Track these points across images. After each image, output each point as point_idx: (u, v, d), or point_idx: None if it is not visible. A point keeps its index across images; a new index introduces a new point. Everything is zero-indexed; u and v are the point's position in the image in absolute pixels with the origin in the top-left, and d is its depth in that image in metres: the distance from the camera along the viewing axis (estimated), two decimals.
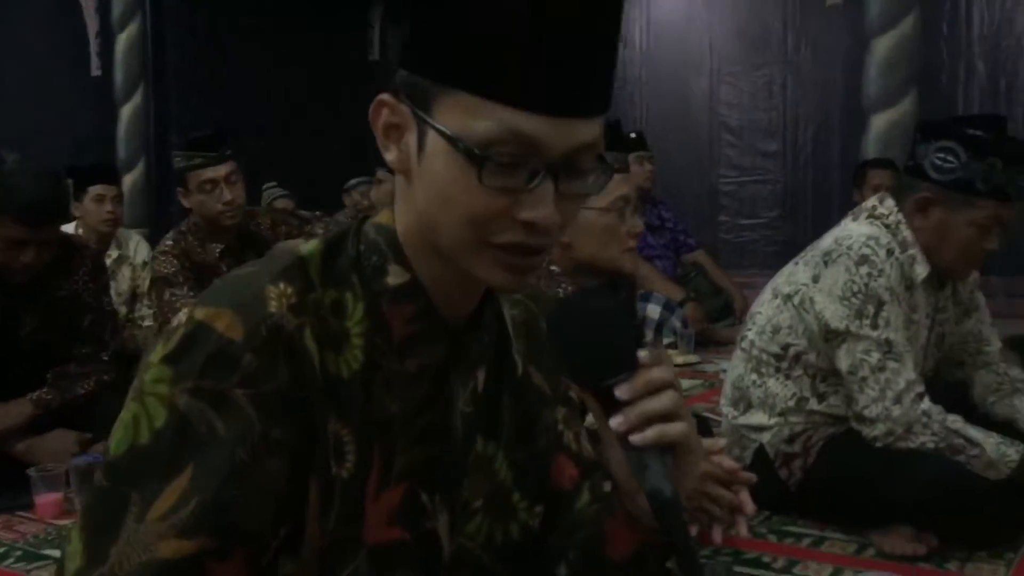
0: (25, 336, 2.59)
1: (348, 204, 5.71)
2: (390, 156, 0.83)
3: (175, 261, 3.16)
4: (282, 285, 0.80)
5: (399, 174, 0.84)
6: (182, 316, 0.80)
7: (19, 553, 2.07)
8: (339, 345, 0.82)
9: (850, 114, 5.80)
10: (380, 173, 4.16)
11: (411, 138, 0.81)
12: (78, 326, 2.68)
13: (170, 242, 3.22)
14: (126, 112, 6.66)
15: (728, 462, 1.61)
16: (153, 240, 5.05)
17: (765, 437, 2.17)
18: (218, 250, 3.20)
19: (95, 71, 6.84)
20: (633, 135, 4.99)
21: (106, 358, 2.71)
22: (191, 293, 3.12)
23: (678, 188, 6.04)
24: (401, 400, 0.86)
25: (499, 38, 0.74)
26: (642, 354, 0.79)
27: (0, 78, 6.80)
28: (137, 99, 6.65)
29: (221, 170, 3.08)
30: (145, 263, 4.66)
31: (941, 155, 1.97)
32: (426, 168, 0.80)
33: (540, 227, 0.78)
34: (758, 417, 2.20)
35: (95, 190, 3.99)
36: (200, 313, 0.78)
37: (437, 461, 0.89)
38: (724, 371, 3.81)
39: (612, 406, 0.79)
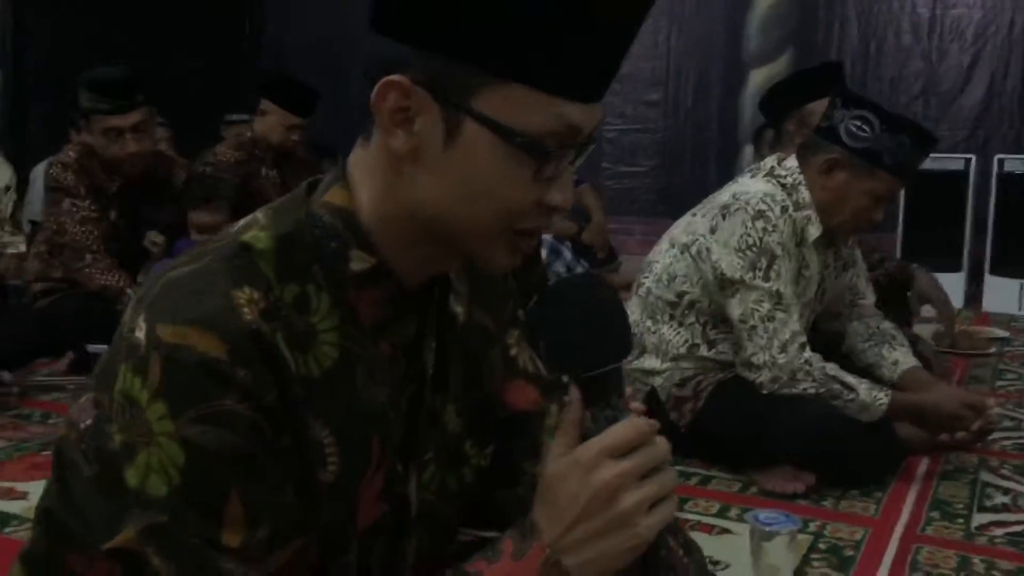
0: None
1: (227, 137, 5.50)
2: (396, 142, 0.78)
3: (73, 175, 3.02)
4: (247, 289, 0.76)
5: (391, 158, 0.79)
6: (139, 334, 0.74)
7: None
8: (306, 344, 0.78)
9: (730, 68, 5.97)
10: (264, 104, 4.00)
11: (429, 126, 0.76)
12: None
13: (72, 155, 3.08)
14: None
15: (635, 406, 1.68)
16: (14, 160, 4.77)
17: (657, 381, 2.27)
18: (116, 185, 3.08)
19: None
20: None
21: None
22: (92, 206, 3.00)
23: None
24: (387, 384, 0.85)
25: (558, 32, 0.73)
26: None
27: None
28: None
29: (128, 119, 2.96)
30: (8, 187, 4.41)
31: (857, 123, 2.08)
32: (457, 159, 0.77)
33: (561, 209, 0.80)
34: (651, 362, 2.29)
35: None
36: (166, 333, 0.73)
37: (413, 433, 0.90)
38: None
39: (590, 393, 0.79)
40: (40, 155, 5.30)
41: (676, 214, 2.43)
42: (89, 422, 0.83)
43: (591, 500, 0.75)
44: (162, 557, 0.75)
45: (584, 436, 0.79)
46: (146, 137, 3.05)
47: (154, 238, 3.17)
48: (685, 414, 2.21)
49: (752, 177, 2.25)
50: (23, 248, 4.19)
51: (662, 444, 0.78)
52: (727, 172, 5.94)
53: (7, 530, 1.79)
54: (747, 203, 2.14)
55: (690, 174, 5.97)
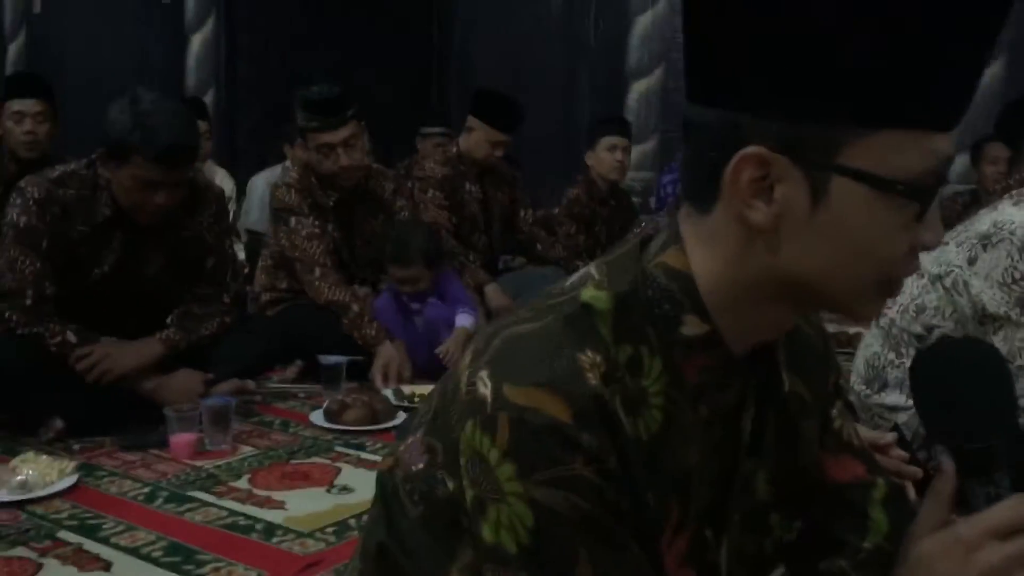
0: (150, 276, 2.62)
1: (421, 149, 5.66)
2: (756, 215, 0.75)
3: (296, 195, 3.21)
4: (590, 352, 0.76)
5: (745, 230, 0.77)
6: (484, 390, 0.76)
7: (166, 494, 2.11)
8: (638, 407, 0.78)
9: None
10: (471, 121, 4.09)
11: (792, 191, 0.74)
12: (200, 267, 2.70)
13: (295, 175, 3.28)
14: (197, 40, 6.62)
15: (898, 452, 1.62)
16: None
17: (902, 418, 2.16)
18: (333, 200, 3.24)
19: None
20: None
21: (227, 300, 2.74)
22: (316, 223, 3.17)
23: None
24: (698, 449, 0.84)
25: (923, 64, 0.70)
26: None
27: (67, 3, 6.72)
28: (208, 27, 6.61)
29: (339, 135, 3.11)
30: (229, 198, 4.69)
31: None
32: (827, 220, 0.74)
33: (932, 248, 0.77)
34: (894, 397, 2.19)
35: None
36: (513, 393, 0.74)
37: (723, 499, 0.89)
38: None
39: (969, 466, 0.75)
40: (250, 166, 5.63)
41: None
42: (421, 466, 0.85)
43: None
44: None
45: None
46: (357, 151, 3.20)
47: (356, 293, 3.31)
48: (936, 453, 2.10)
49: (1015, 204, 2.11)
50: (242, 256, 4.45)
51: None
52: None
53: (274, 540, 1.89)
54: (1012, 234, 2.00)
55: None
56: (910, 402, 2.15)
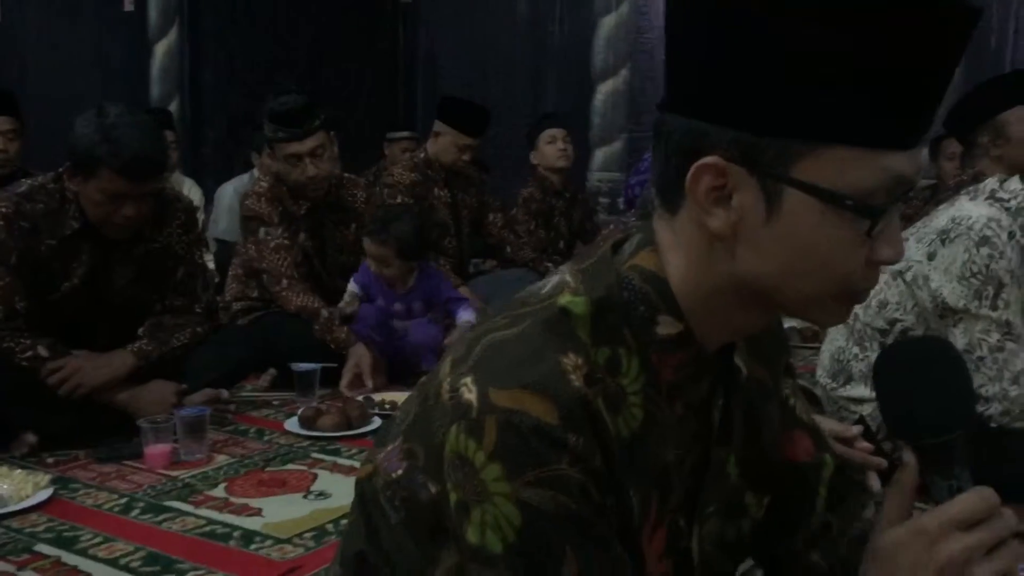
0: (120, 288, 2.61)
1: (388, 154, 5.68)
2: (715, 221, 0.78)
3: (267, 204, 3.21)
4: (571, 355, 0.79)
5: (706, 235, 0.79)
6: (469, 395, 0.77)
7: (142, 504, 2.11)
8: (618, 406, 0.81)
9: None
10: (438, 126, 4.11)
11: (748, 201, 0.76)
12: (170, 279, 2.69)
13: (265, 184, 3.28)
14: (160, 49, 6.57)
15: (863, 444, 1.66)
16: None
17: (866, 409, 2.21)
18: (304, 208, 3.25)
19: (128, 6, 6.72)
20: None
21: (199, 311, 2.73)
22: (285, 233, 3.17)
23: None
24: (675, 443, 0.86)
25: (877, 86, 0.71)
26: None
27: (27, 12, 6.64)
28: (172, 36, 6.57)
29: (306, 145, 3.12)
30: (197, 207, 4.66)
31: None
32: (781, 231, 0.76)
33: (892, 264, 0.78)
34: (859, 390, 2.24)
35: None
36: (500, 398, 0.76)
37: (697, 489, 0.92)
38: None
39: (931, 460, 0.77)
40: (217, 175, 5.60)
41: None
42: (400, 472, 0.87)
43: (937, 573, 0.74)
44: None
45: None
46: (324, 161, 3.20)
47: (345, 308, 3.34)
48: (900, 445, 2.15)
49: (972, 200, 2.17)
50: (211, 266, 4.44)
51: (1009, 517, 0.77)
52: None
53: (252, 547, 1.90)
54: (969, 228, 2.06)
55: None
56: (874, 394, 2.20)
